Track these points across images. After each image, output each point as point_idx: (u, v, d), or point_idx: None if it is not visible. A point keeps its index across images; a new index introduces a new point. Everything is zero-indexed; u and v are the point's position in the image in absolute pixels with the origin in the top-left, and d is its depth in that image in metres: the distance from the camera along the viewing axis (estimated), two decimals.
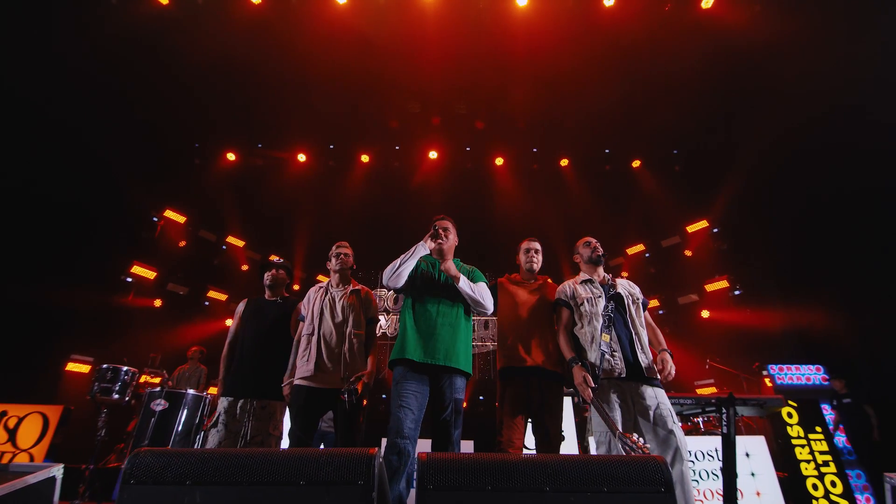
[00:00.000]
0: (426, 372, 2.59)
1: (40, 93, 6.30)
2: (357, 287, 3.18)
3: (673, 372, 2.65)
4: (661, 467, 1.30)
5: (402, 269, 2.70)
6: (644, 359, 2.67)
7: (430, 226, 2.89)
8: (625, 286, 2.98)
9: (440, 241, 2.85)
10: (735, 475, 2.57)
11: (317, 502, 1.20)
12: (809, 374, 6.68)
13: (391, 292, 9.22)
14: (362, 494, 1.19)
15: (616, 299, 2.86)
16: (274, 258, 3.59)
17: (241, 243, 9.33)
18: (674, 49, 7.07)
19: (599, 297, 2.87)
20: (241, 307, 3.45)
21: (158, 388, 4.02)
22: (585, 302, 2.87)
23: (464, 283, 2.74)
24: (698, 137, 8.54)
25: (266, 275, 3.48)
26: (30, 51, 6.14)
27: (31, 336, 6.27)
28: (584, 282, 3.00)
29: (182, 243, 8.67)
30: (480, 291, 2.80)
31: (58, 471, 1.70)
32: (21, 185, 6.31)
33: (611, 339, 2.69)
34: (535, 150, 9.53)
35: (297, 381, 2.89)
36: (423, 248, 2.78)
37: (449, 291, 2.78)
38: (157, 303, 8.12)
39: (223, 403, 3.08)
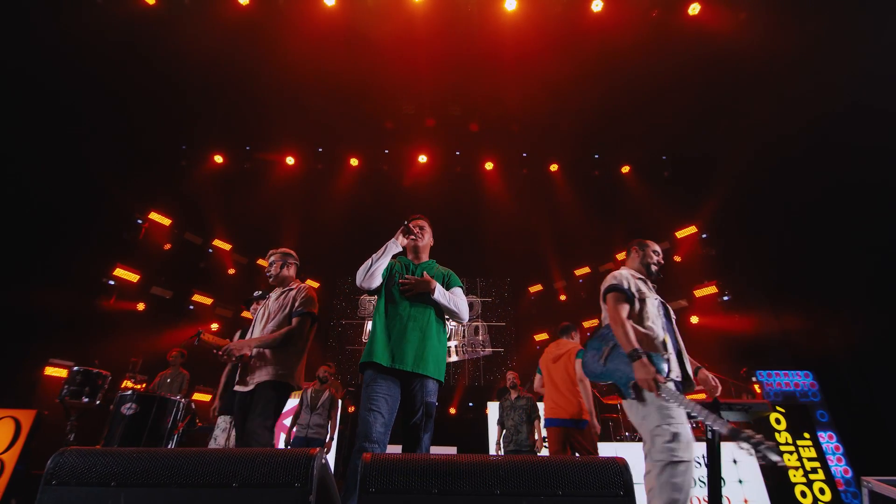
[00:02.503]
0: (397, 375, 2.49)
1: (23, 89, 6.21)
2: (288, 287, 3.05)
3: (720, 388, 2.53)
4: (620, 469, 1.23)
5: (374, 269, 2.60)
6: (690, 371, 2.51)
7: (402, 223, 2.79)
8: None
9: (412, 237, 2.77)
10: (721, 482, 2.50)
11: None
12: (798, 381, 6.68)
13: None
14: (299, 497, 1.11)
15: (664, 307, 2.63)
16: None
17: (227, 246, 9.22)
18: (662, 55, 7.07)
19: (656, 299, 2.62)
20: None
21: (129, 392, 3.91)
22: (648, 300, 2.55)
23: (439, 294, 2.62)
24: (687, 143, 8.55)
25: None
26: (9, 44, 6.04)
27: (6, 339, 6.11)
28: (641, 279, 2.69)
29: (167, 246, 8.53)
30: (455, 300, 2.67)
31: None
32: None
33: (668, 345, 2.46)
34: (524, 154, 9.50)
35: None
36: (395, 246, 2.69)
37: (421, 295, 2.65)
38: (141, 306, 7.97)
39: (220, 423, 3.19)
